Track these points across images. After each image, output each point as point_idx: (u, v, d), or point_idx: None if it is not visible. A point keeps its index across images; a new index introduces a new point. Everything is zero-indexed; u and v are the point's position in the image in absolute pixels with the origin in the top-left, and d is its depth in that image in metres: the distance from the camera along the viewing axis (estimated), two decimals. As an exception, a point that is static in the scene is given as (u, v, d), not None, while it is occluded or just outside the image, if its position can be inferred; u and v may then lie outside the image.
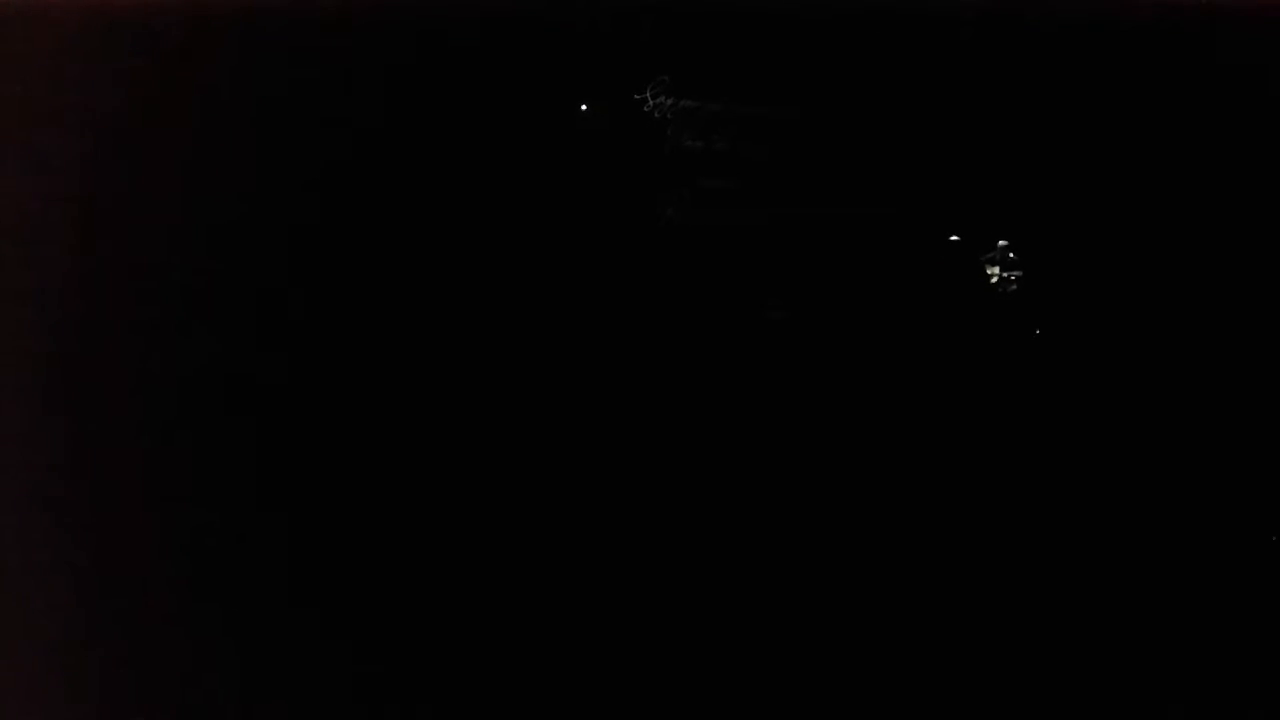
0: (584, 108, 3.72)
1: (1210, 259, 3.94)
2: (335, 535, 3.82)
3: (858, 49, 3.98)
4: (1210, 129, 3.99)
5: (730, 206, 3.75)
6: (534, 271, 3.85)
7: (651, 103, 3.31)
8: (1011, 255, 3.48)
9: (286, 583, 3.80)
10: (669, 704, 3.63)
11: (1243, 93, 4.01)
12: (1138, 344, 3.86)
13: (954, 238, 3.62)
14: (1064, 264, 3.80)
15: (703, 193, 3.63)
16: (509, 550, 3.75)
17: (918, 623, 3.70)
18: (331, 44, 3.93)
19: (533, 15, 3.75)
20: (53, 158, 3.69)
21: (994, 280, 3.46)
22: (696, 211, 3.60)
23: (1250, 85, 3.96)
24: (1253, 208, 3.96)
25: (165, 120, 3.83)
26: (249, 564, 3.80)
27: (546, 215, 3.93)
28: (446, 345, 3.93)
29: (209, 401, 3.89)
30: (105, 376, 3.82)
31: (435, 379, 3.93)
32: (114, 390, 3.81)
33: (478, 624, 3.74)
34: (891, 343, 3.80)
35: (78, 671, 3.68)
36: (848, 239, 3.84)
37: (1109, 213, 3.97)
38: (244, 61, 3.87)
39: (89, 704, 3.67)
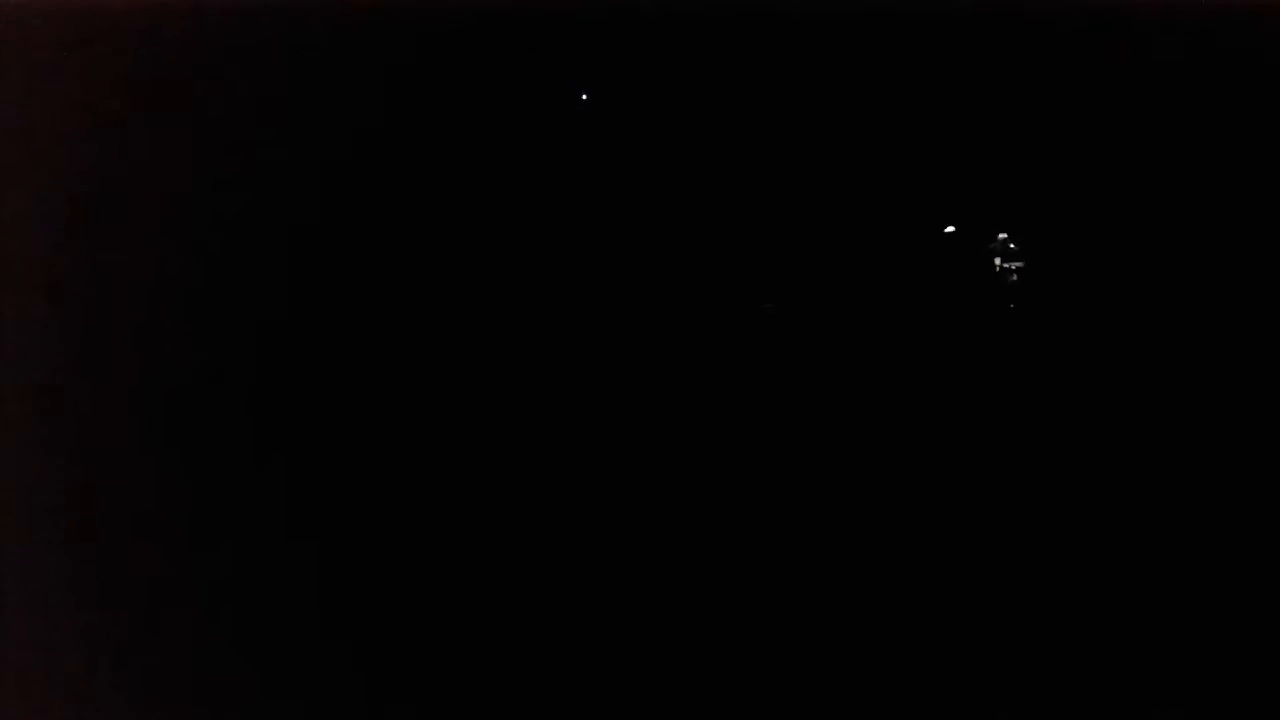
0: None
1: (1208, 252, 3.95)
2: (336, 534, 3.81)
3: (853, 49, 4.00)
4: (1207, 125, 4.00)
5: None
6: (522, 270, 3.86)
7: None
8: (1012, 247, 3.49)
9: (287, 581, 3.79)
10: (659, 698, 3.61)
11: (1242, 92, 4.02)
12: (1136, 336, 3.86)
13: (951, 229, 3.63)
14: (1064, 256, 3.80)
15: None
16: (508, 544, 3.73)
17: (913, 613, 3.69)
18: (331, 44, 3.94)
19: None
20: (53, 157, 3.69)
21: (995, 271, 3.47)
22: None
23: (1250, 84, 3.97)
24: (1250, 204, 3.97)
25: (165, 120, 3.83)
26: (249, 563, 3.79)
27: (544, 209, 3.94)
28: (444, 344, 3.93)
29: (209, 400, 3.89)
30: (105, 376, 3.81)
31: (432, 378, 3.92)
32: (114, 389, 3.81)
33: (476, 623, 3.72)
34: (896, 335, 3.81)
35: (77, 671, 3.66)
36: (848, 232, 3.85)
37: (1108, 206, 3.98)
38: (244, 61, 3.88)
39: (88, 704, 3.65)
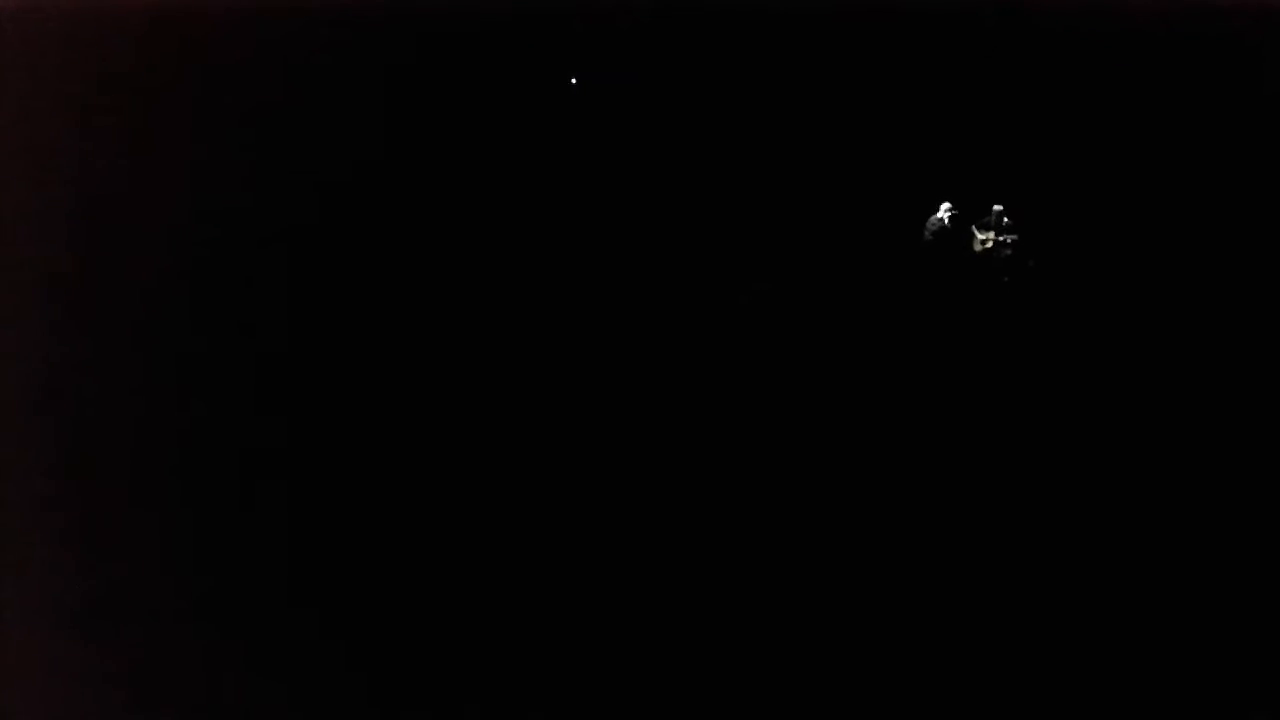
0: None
1: (1199, 237, 3.91)
2: (336, 534, 3.79)
3: (851, 43, 4.01)
4: (1203, 117, 3.99)
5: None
6: (516, 264, 3.85)
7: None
8: (1006, 220, 3.47)
9: (286, 581, 3.76)
10: (647, 687, 3.55)
11: (1239, 88, 4.02)
12: (1130, 312, 3.82)
13: (948, 204, 3.62)
14: (1058, 232, 3.78)
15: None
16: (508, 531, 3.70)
17: (910, 607, 3.63)
18: (331, 44, 3.99)
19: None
20: (53, 158, 3.74)
21: (988, 245, 3.45)
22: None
23: (1248, 83, 3.97)
24: (1247, 200, 3.95)
25: (165, 120, 3.88)
26: (247, 563, 3.77)
27: (537, 203, 3.94)
28: (444, 343, 3.92)
29: (207, 400, 3.89)
30: (105, 376, 3.82)
31: (432, 377, 3.91)
32: (113, 389, 3.82)
33: (474, 622, 3.68)
34: (891, 312, 3.78)
35: (77, 668, 3.64)
36: (841, 211, 3.83)
37: (1104, 186, 3.95)
38: (244, 61, 3.93)
39: (88, 703, 3.62)
